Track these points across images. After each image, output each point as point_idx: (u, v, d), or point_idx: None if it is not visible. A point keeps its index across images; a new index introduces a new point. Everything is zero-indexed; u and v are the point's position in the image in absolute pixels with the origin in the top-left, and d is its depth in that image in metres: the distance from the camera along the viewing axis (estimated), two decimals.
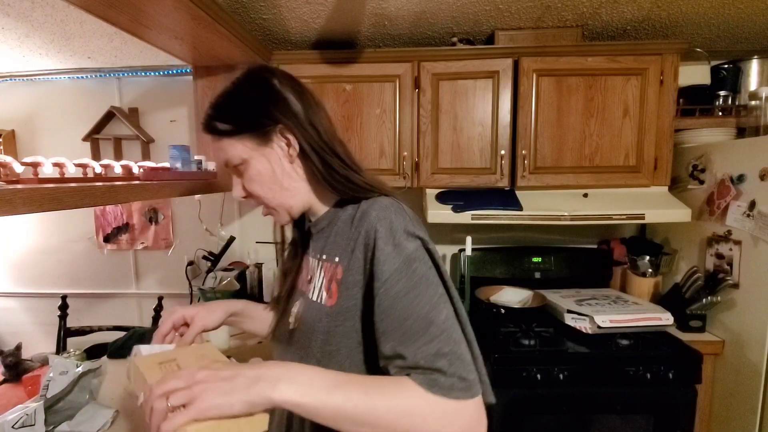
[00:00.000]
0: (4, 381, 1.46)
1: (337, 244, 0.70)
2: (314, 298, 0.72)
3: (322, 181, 0.70)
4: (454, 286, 0.64)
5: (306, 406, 0.52)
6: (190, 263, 2.20)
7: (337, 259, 0.69)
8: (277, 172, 0.70)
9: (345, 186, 0.70)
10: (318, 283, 0.72)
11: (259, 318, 0.94)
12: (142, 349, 0.74)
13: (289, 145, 0.70)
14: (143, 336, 1.54)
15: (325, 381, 0.54)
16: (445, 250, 2.26)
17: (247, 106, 0.70)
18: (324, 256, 0.73)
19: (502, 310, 1.73)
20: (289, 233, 0.87)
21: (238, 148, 0.70)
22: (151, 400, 0.51)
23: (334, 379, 0.55)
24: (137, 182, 1.30)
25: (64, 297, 1.99)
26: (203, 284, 2.05)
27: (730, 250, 1.59)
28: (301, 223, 0.84)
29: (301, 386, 0.52)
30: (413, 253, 0.60)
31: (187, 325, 0.84)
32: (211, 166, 1.70)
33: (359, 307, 0.65)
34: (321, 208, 0.76)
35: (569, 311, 1.65)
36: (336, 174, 0.69)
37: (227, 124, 0.70)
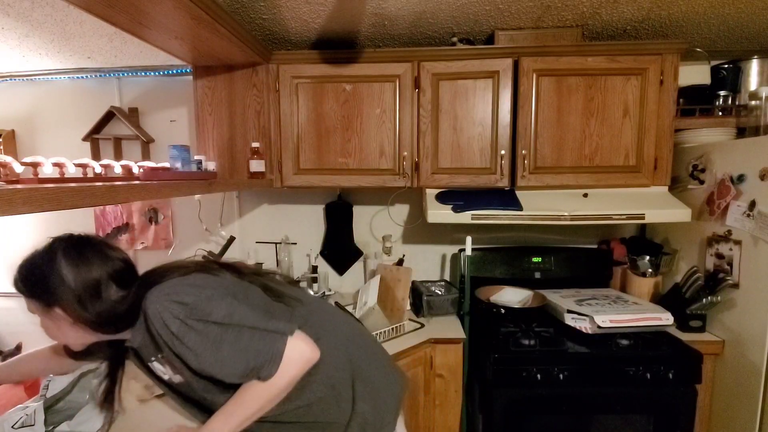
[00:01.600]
0: None
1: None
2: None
3: (100, 331, 0.88)
4: (242, 295, 0.90)
5: None
6: None
7: (160, 355, 0.90)
8: (58, 330, 0.87)
9: (123, 327, 0.88)
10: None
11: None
12: None
13: (65, 312, 0.83)
14: None
15: (221, 420, 0.88)
16: (445, 250, 2.26)
17: (33, 279, 0.85)
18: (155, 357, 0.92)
19: (502, 310, 1.73)
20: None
21: (30, 306, 0.87)
22: None
23: (226, 412, 0.88)
24: (137, 182, 1.30)
25: None
26: None
27: (730, 250, 1.59)
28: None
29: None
30: (183, 320, 0.81)
31: None
32: (211, 166, 1.70)
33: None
34: (123, 335, 0.91)
35: (569, 311, 1.66)
36: (110, 329, 0.87)
37: (22, 287, 0.86)
